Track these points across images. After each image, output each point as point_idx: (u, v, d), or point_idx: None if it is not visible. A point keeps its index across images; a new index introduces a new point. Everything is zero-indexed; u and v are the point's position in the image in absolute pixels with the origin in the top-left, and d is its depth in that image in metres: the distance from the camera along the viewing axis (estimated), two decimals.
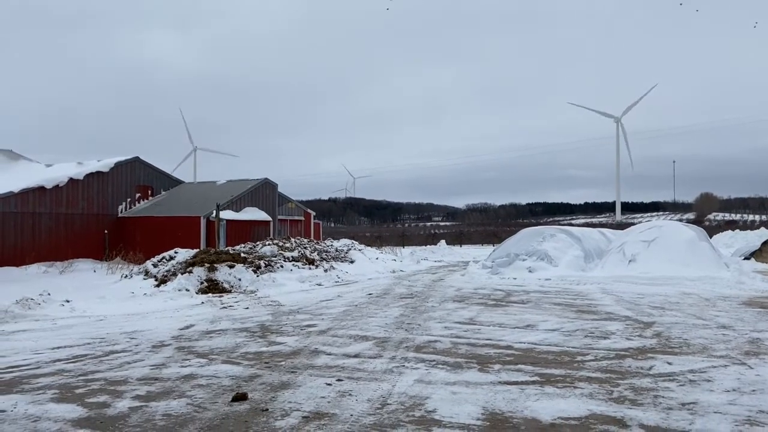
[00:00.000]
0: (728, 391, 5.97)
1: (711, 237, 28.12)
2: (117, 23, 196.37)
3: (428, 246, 45.44)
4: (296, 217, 35.02)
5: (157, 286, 15.82)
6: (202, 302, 13.93)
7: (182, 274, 16.08)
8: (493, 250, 24.54)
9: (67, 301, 12.89)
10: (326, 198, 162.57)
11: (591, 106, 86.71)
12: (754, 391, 5.96)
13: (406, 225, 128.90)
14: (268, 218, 31.11)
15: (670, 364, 7.12)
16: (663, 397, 5.77)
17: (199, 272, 16.15)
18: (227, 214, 27.93)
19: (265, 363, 7.38)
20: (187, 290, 15.21)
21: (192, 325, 10.56)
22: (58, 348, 8.60)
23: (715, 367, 6.96)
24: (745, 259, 24.40)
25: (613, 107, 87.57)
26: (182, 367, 7.25)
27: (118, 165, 29.81)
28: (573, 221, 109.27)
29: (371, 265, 23.46)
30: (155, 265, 17.86)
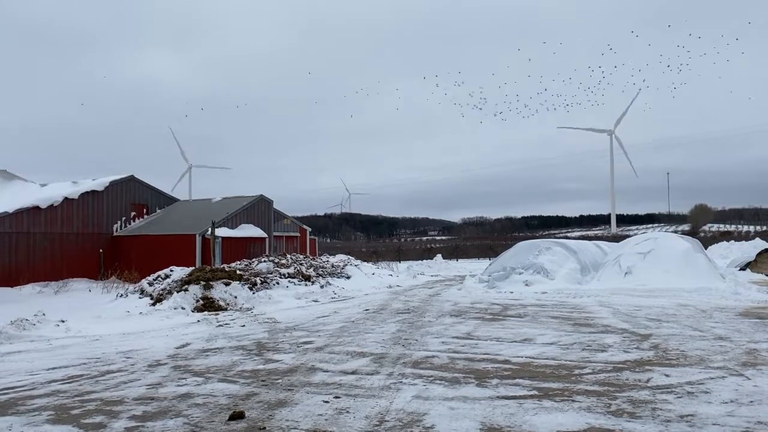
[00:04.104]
0: (726, 402, 5.97)
1: (706, 248, 28.24)
2: (113, 43, 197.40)
3: (424, 260, 45.44)
4: (292, 234, 35.00)
5: (153, 304, 15.75)
6: (198, 320, 13.86)
7: (178, 292, 16.01)
8: (490, 264, 24.56)
9: (63, 321, 12.79)
10: (322, 214, 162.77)
11: (583, 125, 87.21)
12: (752, 402, 5.96)
13: (402, 240, 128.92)
14: (264, 235, 31.08)
15: (667, 376, 7.12)
16: (661, 409, 5.77)
17: (195, 290, 16.08)
18: (223, 232, 27.90)
19: (262, 381, 7.35)
20: (183, 308, 15.14)
21: (188, 344, 10.51)
22: (54, 369, 8.54)
23: (712, 378, 6.96)
24: (740, 269, 24.45)
25: (606, 120, 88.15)
26: (179, 386, 7.21)
27: (113, 184, 29.80)
28: (569, 234, 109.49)
29: (368, 281, 23.42)
30: (151, 284, 17.78)
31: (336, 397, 6.44)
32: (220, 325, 12.95)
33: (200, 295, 15.95)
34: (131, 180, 31.15)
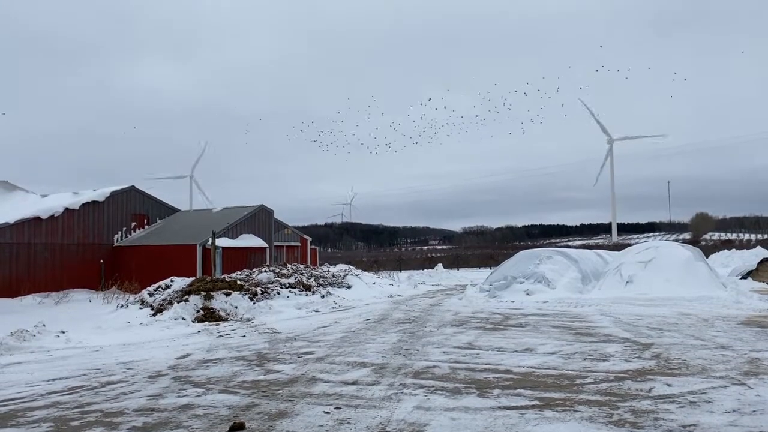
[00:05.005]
0: (728, 412, 5.95)
1: (707, 257, 28.17)
2: (113, 52, 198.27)
3: (425, 270, 45.39)
4: (292, 243, 34.99)
5: (153, 315, 15.73)
6: (199, 331, 13.84)
7: (178, 302, 15.99)
8: (491, 273, 24.52)
9: (63, 332, 12.78)
10: (322, 223, 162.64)
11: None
12: (754, 411, 5.94)
13: (403, 249, 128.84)
14: (265, 245, 31.07)
15: (669, 385, 7.10)
16: (663, 419, 5.74)
17: (195, 300, 16.07)
18: (223, 242, 27.90)
19: (263, 392, 7.33)
20: (184, 319, 15.12)
21: (188, 355, 10.49)
22: (54, 380, 8.52)
23: (714, 388, 6.93)
24: (741, 278, 24.42)
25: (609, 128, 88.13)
26: (179, 397, 7.19)
27: (114, 194, 29.84)
28: (569, 243, 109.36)
29: (368, 290, 23.39)
30: (151, 294, 17.76)
31: (337, 408, 6.42)
32: (221, 336, 12.93)
33: (201, 306, 15.93)
34: (132, 190, 31.20)
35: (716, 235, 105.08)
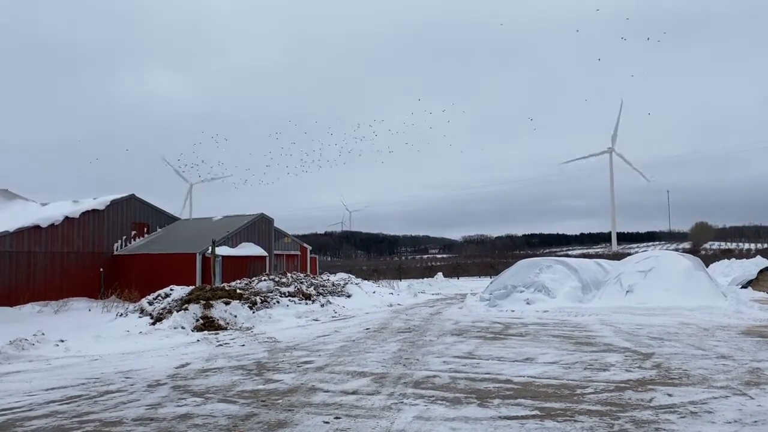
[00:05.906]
0: (730, 422, 5.92)
1: (707, 266, 28.15)
2: (116, 62, 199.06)
3: (425, 279, 45.36)
4: (292, 252, 34.97)
5: (153, 324, 15.69)
6: (198, 340, 13.81)
7: (178, 311, 15.96)
8: (491, 283, 24.48)
9: (62, 341, 12.74)
10: (322, 232, 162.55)
11: (583, 153, 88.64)
12: (756, 422, 5.91)
13: (403, 258, 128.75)
14: (264, 253, 31.04)
15: (670, 395, 7.08)
16: (664, 429, 5.72)
17: (195, 309, 16.03)
18: (223, 250, 27.87)
19: (262, 401, 7.30)
20: (183, 328, 15.08)
21: (188, 364, 10.45)
22: (52, 389, 8.49)
23: (715, 398, 6.91)
24: (742, 287, 24.39)
25: (604, 138, 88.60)
26: (178, 406, 7.16)
27: (114, 203, 29.83)
28: (569, 252, 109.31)
29: (368, 299, 23.35)
30: (151, 303, 17.73)
31: (336, 418, 6.40)
32: (220, 345, 12.90)
33: (200, 315, 15.90)
34: (132, 199, 31.20)
35: (716, 245, 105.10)
